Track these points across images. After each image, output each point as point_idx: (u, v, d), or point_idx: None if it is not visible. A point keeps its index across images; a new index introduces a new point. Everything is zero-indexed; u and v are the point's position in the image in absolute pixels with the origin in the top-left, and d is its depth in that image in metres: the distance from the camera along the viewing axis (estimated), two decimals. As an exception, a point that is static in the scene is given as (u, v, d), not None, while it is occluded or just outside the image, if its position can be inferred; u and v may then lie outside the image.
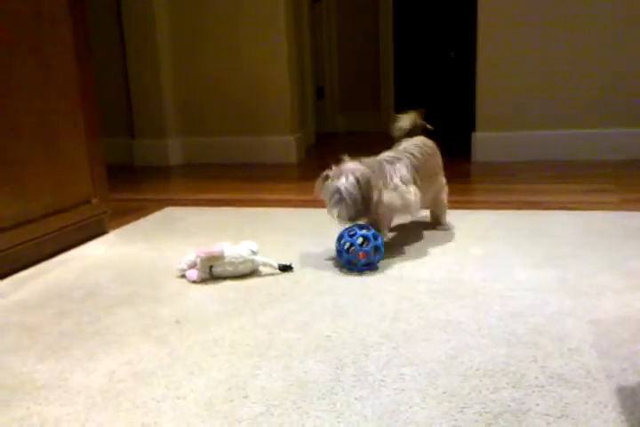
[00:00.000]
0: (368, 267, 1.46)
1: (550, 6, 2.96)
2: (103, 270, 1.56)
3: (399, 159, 1.57)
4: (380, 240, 1.46)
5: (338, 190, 1.45)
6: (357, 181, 1.44)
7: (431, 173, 1.66)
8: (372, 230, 1.47)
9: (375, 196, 1.48)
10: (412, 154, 1.59)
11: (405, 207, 1.54)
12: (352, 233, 1.46)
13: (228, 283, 1.42)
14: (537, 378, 0.93)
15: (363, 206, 1.46)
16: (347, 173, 1.46)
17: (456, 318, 1.17)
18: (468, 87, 3.39)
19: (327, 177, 1.50)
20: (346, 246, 1.46)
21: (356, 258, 1.44)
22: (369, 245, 1.44)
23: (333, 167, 1.50)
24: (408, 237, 1.75)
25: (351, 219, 1.49)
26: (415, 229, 1.83)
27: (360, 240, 1.44)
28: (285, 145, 3.43)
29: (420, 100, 5.47)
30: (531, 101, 3.08)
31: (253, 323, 1.18)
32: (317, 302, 1.28)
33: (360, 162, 1.52)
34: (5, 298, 1.38)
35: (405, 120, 1.75)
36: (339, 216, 1.48)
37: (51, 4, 1.66)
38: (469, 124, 3.28)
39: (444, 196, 1.81)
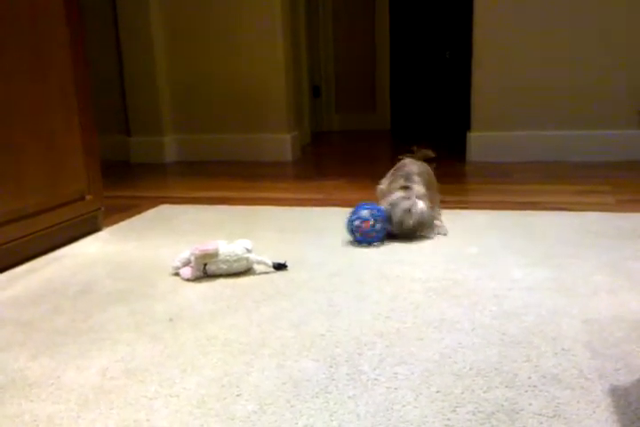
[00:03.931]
0: (373, 239, 1.66)
1: (546, 6, 2.97)
2: (97, 267, 1.55)
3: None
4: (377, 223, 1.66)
5: (410, 208, 1.67)
6: (427, 210, 1.69)
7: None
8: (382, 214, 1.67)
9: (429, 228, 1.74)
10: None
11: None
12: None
13: (222, 281, 1.42)
14: (530, 378, 0.93)
15: (417, 225, 1.69)
16: (423, 199, 1.71)
17: (450, 317, 1.17)
18: (463, 87, 3.40)
19: (407, 188, 1.72)
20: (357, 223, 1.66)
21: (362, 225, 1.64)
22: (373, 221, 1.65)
23: (410, 185, 1.74)
24: (402, 236, 1.75)
25: (411, 228, 1.69)
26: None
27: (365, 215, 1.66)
28: (281, 143, 3.43)
29: (416, 100, 5.47)
30: (526, 102, 3.08)
31: (247, 321, 1.18)
32: (311, 300, 1.28)
33: (413, 170, 1.80)
34: (-2, 294, 1.38)
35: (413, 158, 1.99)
36: (403, 222, 1.68)
37: (46, 1, 1.65)
38: (464, 124, 3.28)
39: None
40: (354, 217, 1.66)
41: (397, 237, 1.71)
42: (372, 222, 1.64)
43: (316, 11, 4.74)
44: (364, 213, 1.65)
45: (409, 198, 1.70)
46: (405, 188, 1.74)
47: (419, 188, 1.74)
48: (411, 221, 1.67)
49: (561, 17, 2.96)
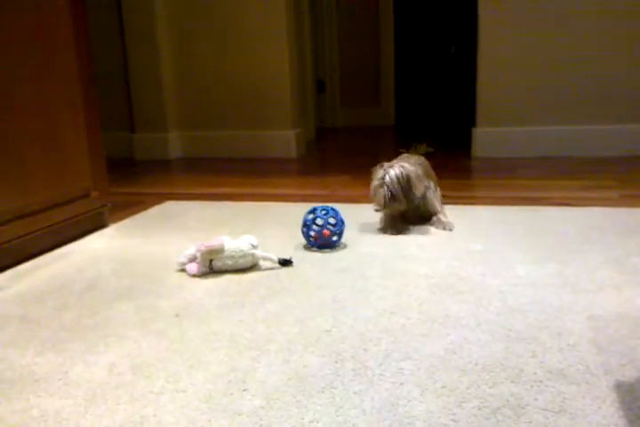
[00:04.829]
0: (328, 246, 1.61)
1: (551, 2, 2.95)
2: (103, 264, 1.56)
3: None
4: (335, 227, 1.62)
5: (383, 177, 1.70)
6: (401, 174, 1.69)
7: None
8: (339, 217, 1.63)
9: (419, 190, 1.74)
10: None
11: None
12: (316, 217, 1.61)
13: (228, 277, 1.42)
14: (535, 373, 0.93)
15: (402, 194, 1.69)
16: (395, 166, 1.71)
17: (455, 313, 1.17)
18: (469, 82, 3.39)
19: (382, 165, 1.74)
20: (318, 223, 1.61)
21: (322, 236, 1.59)
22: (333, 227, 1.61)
23: (388, 163, 1.75)
24: (408, 232, 1.75)
25: (388, 201, 1.69)
26: (415, 224, 1.83)
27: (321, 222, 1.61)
28: (286, 140, 3.43)
29: (421, 95, 5.46)
30: (531, 97, 3.08)
31: (253, 317, 1.18)
32: (317, 296, 1.28)
33: (413, 162, 1.78)
34: (5, 291, 1.39)
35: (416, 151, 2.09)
36: (379, 198, 1.70)
37: (51, -3, 1.65)
38: (469, 120, 3.27)
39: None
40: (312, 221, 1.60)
41: (409, 218, 1.79)
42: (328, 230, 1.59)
43: (320, 6, 4.73)
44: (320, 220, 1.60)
45: (382, 177, 1.70)
46: (381, 166, 1.74)
47: (394, 161, 1.74)
48: (389, 193, 1.67)
49: (565, 13, 2.95)
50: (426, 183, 1.80)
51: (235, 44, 3.37)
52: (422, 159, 1.88)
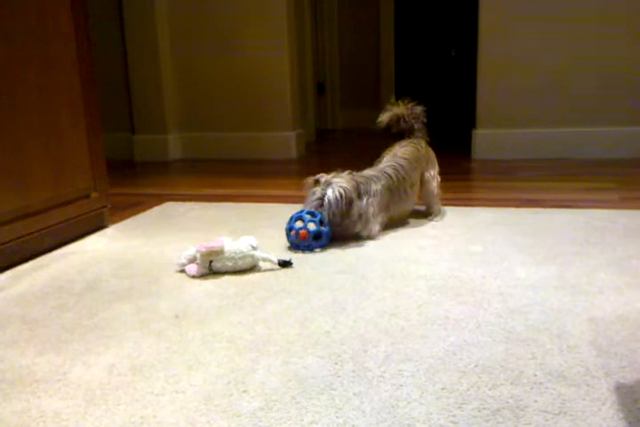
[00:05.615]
0: (308, 248, 1.60)
1: (551, 4, 2.96)
2: (103, 265, 1.56)
3: (379, 180, 1.72)
4: (324, 229, 1.60)
5: (321, 198, 1.61)
6: (341, 195, 1.59)
7: (414, 180, 1.81)
8: (319, 218, 1.60)
9: (355, 210, 1.63)
10: (390, 174, 1.74)
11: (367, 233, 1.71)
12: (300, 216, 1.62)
13: (228, 278, 1.42)
14: (535, 375, 0.93)
15: (339, 216, 1.61)
16: (334, 186, 1.61)
17: (455, 314, 1.17)
18: (469, 85, 3.39)
19: (317, 182, 1.65)
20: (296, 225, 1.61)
21: (298, 237, 1.59)
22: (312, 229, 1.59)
23: (324, 176, 1.65)
24: (407, 233, 1.75)
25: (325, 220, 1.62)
26: (414, 225, 1.83)
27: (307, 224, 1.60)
28: (286, 141, 3.43)
29: (421, 98, 5.47)
30: (531, 99, 3.08)
31: (253, 318, 1.18)
32: (316, 297, 1.28)
33: (349, 177, 1.66)
34: (5, 291, 1.39)
35: (386, 114, 1.92)
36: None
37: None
38: (470, 122, 3.28)
39: (434, 187, 1.89)
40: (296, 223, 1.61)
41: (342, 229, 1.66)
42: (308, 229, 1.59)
43: (321, 8, 4.74)
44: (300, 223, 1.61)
45: (320, 197, 1.62)
46: (316, 182, 1.65)
47: (329, 177, 1.64)
48: (331, 215, 1.60)
49: (566, 16, 2.95)
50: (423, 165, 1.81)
51: (235, 46, 3.37)
52: (413, 148, 1.83)
